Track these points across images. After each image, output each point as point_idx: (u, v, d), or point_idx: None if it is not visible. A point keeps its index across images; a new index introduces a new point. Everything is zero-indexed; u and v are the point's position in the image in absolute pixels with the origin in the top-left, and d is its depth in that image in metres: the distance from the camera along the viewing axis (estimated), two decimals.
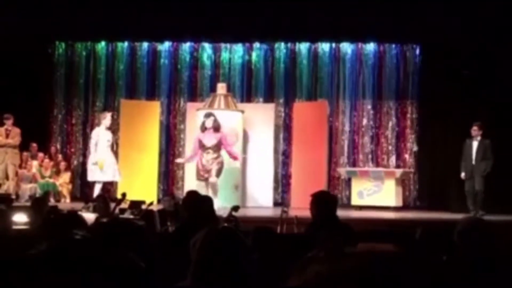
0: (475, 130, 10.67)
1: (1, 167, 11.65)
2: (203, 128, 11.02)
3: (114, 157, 11.44)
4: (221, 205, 9.55)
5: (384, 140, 12.95)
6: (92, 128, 12.39)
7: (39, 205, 6.68)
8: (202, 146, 10.94)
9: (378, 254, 2.26)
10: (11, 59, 12.50)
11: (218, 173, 10.85)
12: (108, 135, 11.33)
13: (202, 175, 10.85)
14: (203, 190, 10.59)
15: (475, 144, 10.68)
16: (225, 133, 11.15)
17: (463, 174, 10.77)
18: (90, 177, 11.37)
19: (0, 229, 3.55)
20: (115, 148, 11.58)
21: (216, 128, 10.97)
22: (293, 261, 2.37)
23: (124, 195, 7.35)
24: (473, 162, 10.63)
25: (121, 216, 6.77)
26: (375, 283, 1.86)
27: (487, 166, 10.53)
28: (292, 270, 2.00)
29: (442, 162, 12.14)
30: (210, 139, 10.91)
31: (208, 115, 11.05)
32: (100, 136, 11.19)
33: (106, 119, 11.36)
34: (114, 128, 12.32)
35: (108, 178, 11.24)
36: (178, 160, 12.08)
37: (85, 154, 12.99)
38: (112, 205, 6.90)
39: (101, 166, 11.08)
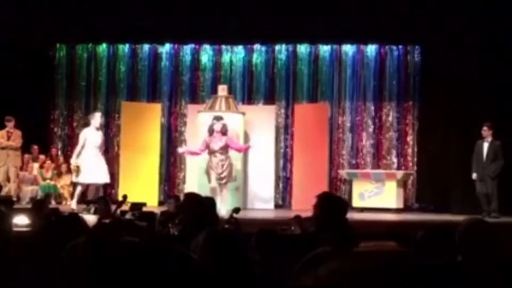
0: (485, 131, 10.48)
1: (2, 169, 11.63)
2: (211, 131, 11.02)
3: (103, 159, 10.79)
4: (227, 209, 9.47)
5: (385, 141, 12.94)
6: None
7: (40, 207, 6.69)
8: (209, 150, 10.95)
9: (390, 254, 2.25)
10: (12, 61, 12.51)
11: (231, 177, 11.03)
12: (96, 136, 10.58)
13: (219, 180, 10.90)
14: (216, 193, 10.59)
15: (485, 145, 10.49)
16: (231, 136, 11.18)
17: (474, 175, 10.60)
18: (76, 179, 10.77)
19: (1, 232, 3.54)
20: (102, 149, 10.82)
21: (224, 132, 10.99)
22: (296, 262, 2.36)
23: (125, 197, 7.33)
24: (484, 163, 10.48)
25: (122, 218, 6.76)
26: (391, 282, 1.85)
27: (497, 168, 10.36)
28: (298, 268, 1.98)
29: (443, 164, 12.11)
30: (217, 142, 10.92)
31: (218, 118, 11.06)
32: (88, 138, 10.49)
33: (95, 119, 10.66)
34: (116, 130, 12.28)
35: (96, 180, 10.53)
36: (180, 150, 11.84)
37: None
38: (113, 207, 6.90)
39: (74, 170, 10.47)
